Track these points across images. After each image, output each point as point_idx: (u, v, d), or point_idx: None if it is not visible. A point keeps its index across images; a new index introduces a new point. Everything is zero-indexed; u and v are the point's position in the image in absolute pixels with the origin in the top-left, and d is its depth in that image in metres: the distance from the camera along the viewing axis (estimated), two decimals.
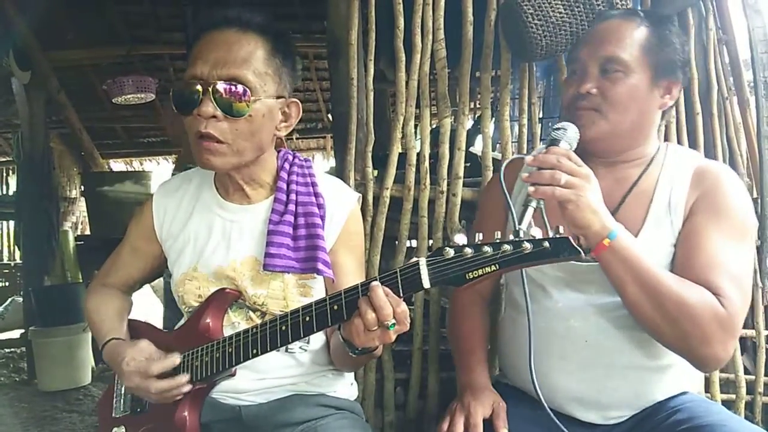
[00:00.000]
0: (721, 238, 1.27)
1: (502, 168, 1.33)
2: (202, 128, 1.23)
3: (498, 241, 0.96)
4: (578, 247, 0.94)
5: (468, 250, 0.97)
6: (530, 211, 1.17)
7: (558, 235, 0.94)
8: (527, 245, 0.94)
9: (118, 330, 1.42)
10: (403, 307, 1.04)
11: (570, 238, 0.94)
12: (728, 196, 1.31)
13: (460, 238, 0.99)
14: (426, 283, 1.00)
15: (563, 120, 1.40)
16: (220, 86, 1.21)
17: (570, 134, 1.28)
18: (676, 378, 1.37)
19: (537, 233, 0.95)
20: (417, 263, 1.01)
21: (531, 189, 1.18)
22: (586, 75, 1.37)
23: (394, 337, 1.06)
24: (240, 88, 1.23)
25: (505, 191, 1.27)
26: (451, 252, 0.98)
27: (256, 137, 1.29)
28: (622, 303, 1.26)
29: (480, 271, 0.96)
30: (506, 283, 1.58)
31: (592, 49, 1.38)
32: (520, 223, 1.15)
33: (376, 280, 1.05)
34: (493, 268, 0.96)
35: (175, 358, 1.28)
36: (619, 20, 1.40)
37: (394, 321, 1.04)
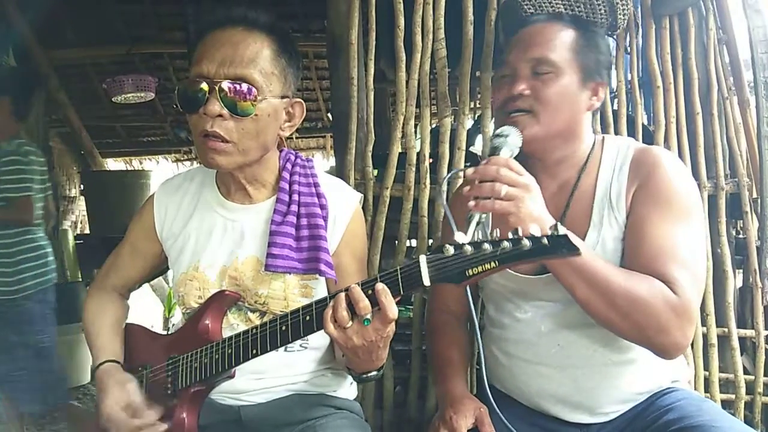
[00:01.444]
0: (664, 225, 1.28)
1: (441, 184, 1.36)
2: (208, 127, 1.23)
3: (498, 239, 0.97)
4: (576, 246, 0.95)
5: (468, 248, 0.97)
6: (473, 225, 1.17)
7: (556, 233, 0.95)
8: (526, 242, 0.95)
9: (112, 347, 1.41)
10: (388, 315, 1.04)
11: (569, 234, 0.95)
12: (667, 181, 1.32)
13: (460, 236, 1.00)
14: (426, 280, 1.01)
15: (499, 125, 1.43)
16: (227, 85, 1.21)
17: (512, 140, 1.30)
18: (655, 368, 1.37)
19: (535, 231, 0.96)
20: (417, 260, 1.02)
21: (471, 203, 1.19)
22: (517, 77, 1.39)
23: (374, 336, 1.06)
24: (246, 87, 1.22)
25: (446, 207, 1.31)
26: (451, 249, 0.99)
27: (261, 137, 1.29)
28: (576, 303, 1.27)
29: (480, 268, 0.97)
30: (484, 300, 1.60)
31: (521, 52, 1.40)
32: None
33: (377, 278, 1.05)
34: (493, 264, 0.96)
35: (153, 417, 1.28)
36: (545, 23, 1.43)
37: (369, 317, 1.05)
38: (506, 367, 1.46)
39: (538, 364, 1.39)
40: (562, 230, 0.96)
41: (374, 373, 1.20)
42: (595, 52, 1.41)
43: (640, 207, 1.32)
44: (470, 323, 1.30)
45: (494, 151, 1.28)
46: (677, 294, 1.21)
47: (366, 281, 1.07)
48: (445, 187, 1.36)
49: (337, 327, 1.06)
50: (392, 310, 1.04)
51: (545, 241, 0.94)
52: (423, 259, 1.01)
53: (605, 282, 1.21)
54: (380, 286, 1.03)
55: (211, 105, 1.21)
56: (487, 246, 0.96)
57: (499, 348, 1.48)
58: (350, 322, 1.05)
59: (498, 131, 1.34)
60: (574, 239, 1.22)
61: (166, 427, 1.26)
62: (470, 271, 0.98)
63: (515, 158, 1.38)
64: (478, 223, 1.17)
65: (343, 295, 1.06)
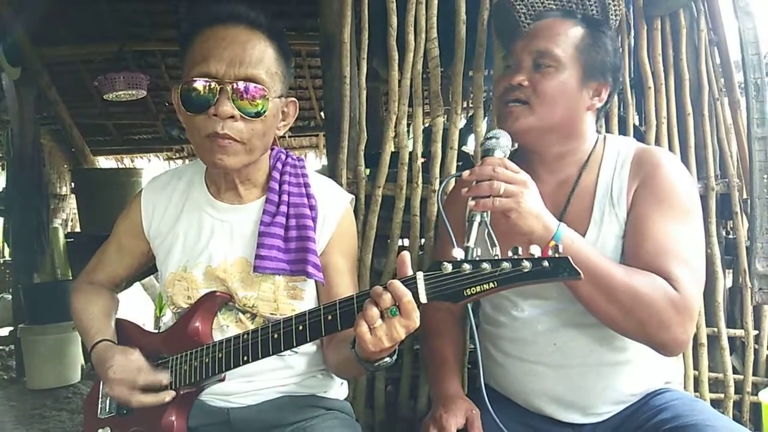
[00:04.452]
0: (665, 223, 1.29)
1: (439, 190, 1.34)
2: (219, 128, 1.20)
3: (497, 258, 0.95)
4: (578, 269, 0.93)
5: (466, 266, 0.95)
6: (475, 226, 1.16)
7: (557, 255, 0.94)
8: (526, 264, 0.93)
9: (106, 331, 1.40)
10: (409, 297, 0.98)
11: (569, 258, 0.93)
12: (668, 180, 1.33)
13: (458, 252, 0.98)
14: (423, 298, 0.99)
15: (498, 114, 1.43)
16: (239, 86, 1.19)
17: (503, 142, 1.29)
18: (650, 369, 1.38)
19: (536, 251, 0.94)
20: (414, 277, 0.99)
21: (471, 203, 1.19)
22: (519, 68, 1.40)
23: (403, 334, 1.01)
24: (258, 88, 1.21)
25: (442, 212, 1.29)
26: (449, 267, 0.96)
27: (266, 137, 1.28)
28: (578, 300, 1.27)
29: (478, 288, 0.95)
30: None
31: (527, 43, 1.41)
32: (467, 240, 1.13)
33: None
34: (492, 285, 0.94)
35: (164, 378, 1.26)
36: (557, 18, 1.44)
37: (395, 307, 0.99)
38: (501, 366, 1.46)
39: (534, 363, 1.39)
40: (575, 239, 0.94)
41: (388, 359, 1.13)
42: (601, 53, 1.40)
43: (641, 205, 1.33)
44: (468, 323, 1.28)
45: (487, 152, 1.28)
46: (678, 290, 1.22)
47: (360, 295, 1.05)
48: (439, 193, 1.34)
49: (370, 329, 1.00)
50: (414, 307, 0.99)
51: (546, 263, 0.93)
52: (420, 276, 0.99)
53: (608, 278, 1.22)
54: (395, 282, 1.00)
55: (223, 106, 1.19)
56: (486, 265, 0.94)
57: (494, 346, 1.47)
58: (379, 320, 1.00)
59: (489, 134, 1.33)
60: (573, 234, 1.24)
61: (173, 395, 1.25)
62: (468, 291, 0.96)
63: (516, 153, 1.38)
64: (480, 224, 1.16)
65: (369, 296, 1.02)
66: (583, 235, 1.33)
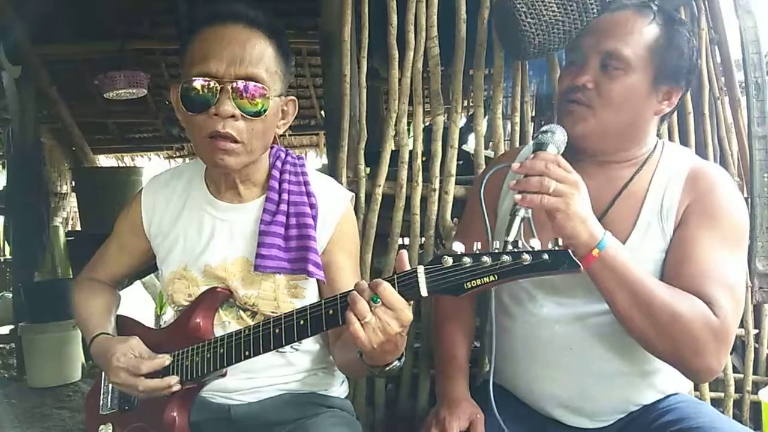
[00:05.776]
0: (714, 246, 1.24)
1: (484, 180, 1.27)
2: (220, 128, 1.20)
3: (497, 251, 0.95)
4: (578, 262, 0.92)
5: (466, 260, 0.95)
6: (518, 221, 1.12)
7: (557, 248, 0.93)
8: (526, 257, 0.92)
9: (106, 325, 1.40)
10: (384, 285, 0.99)
11: (570, 251, 0.93)
12: (723, 202, 1.28)
13: (458, 246, 0.97)
14: (423, 291, 0.98)
15: (558, 111, 1.37)
16: (239, 85, 1.19)
17: (558, 137, 1.24)
18: (663, 382, 1.36)
19: (536, 244, 0.94)
20: (415, 271, 0.99)
21: (518, 197, 1.13)
22: (585, 66, 1.31)
23: (396, 326, 1.00)
24: (258, 87, 1.21)
25: (483, 206, 1.21)
26: (449, 260, 0.96)
27: (266, 136, 1.28)
28: (612, 313, 1.23)
29: (478, 281, 0.95)
30: None
31: (595, 40, 1.31)
32: (507, 234, 1.11)
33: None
34: (492, 278, 0.94)
35: (165, 359, 1.27)
36: (630, 12, 1.32)
37: (375, 295, 0.99)
38: (510, 363, 1.42)
39: (546, 366, 1.36)
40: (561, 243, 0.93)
41: (397, 362, 1.13)
42: (675, 55, 1.30)
43: (691, 224, 1.27)
44: (486, 317, 1.23)
45: (539, 146, 1.22)
46: (718, 317, 1.17)
47: None
48: (483, 183, 1.28)
49: (362, 323, 1.00)
50: (396, 298, 1.00)
51: (546, 256, 0.92)
52: (421, 270, 0.99)
53: (647, 293, 1.17)
54: (377, 281, 1.00)
55: (224, 105, 1.19)
56: (486, 259, 0.94)
57: (505, 341, 1.42)
58: (369, 314, 1.00)
59: (545, 128, 1.27)
60: (618, 245, 1.19)
61: (177, 379, 1.25)
62: (469, 284, 0.96)
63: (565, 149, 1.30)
64: (522, 219, 1.12)
65: (353, 291, 1.03)
66: (625, 240, 1.29)
